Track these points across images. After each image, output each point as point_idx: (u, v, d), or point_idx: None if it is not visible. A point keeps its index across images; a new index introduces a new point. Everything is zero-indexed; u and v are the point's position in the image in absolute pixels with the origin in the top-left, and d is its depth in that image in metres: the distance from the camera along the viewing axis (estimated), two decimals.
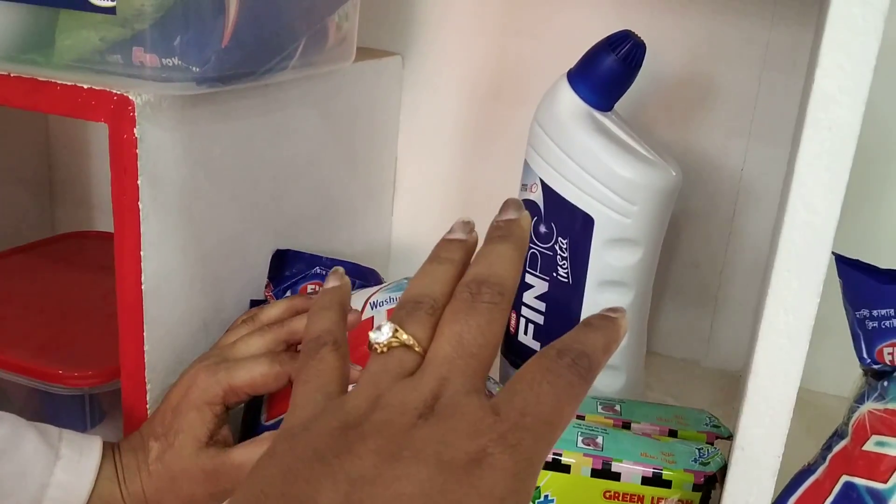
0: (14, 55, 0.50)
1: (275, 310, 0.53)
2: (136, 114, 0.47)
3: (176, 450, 0.47)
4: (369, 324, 0.56)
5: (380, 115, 0.73)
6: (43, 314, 0.67)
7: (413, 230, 0.79)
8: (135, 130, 0.47)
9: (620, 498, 0.43)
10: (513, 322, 0.60)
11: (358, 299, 0.59)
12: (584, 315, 0.56)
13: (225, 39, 0.48)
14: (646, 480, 0.43)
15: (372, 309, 0.57)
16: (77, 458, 0.47)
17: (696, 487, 0.43)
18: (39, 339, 0.62)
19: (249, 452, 0.46)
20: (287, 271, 0.62)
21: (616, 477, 0.44)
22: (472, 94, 0.74)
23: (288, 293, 0.61)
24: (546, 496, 0.44)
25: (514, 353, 0.61)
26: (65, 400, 0.57)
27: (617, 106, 0.57)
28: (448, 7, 0.73)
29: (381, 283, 0.62)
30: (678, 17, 0.66)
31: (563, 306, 0.57)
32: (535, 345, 0.59)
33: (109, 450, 0.49)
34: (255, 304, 0.60)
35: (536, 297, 0.58)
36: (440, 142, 0.76)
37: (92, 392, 0.57)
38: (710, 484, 0.43)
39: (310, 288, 0.61)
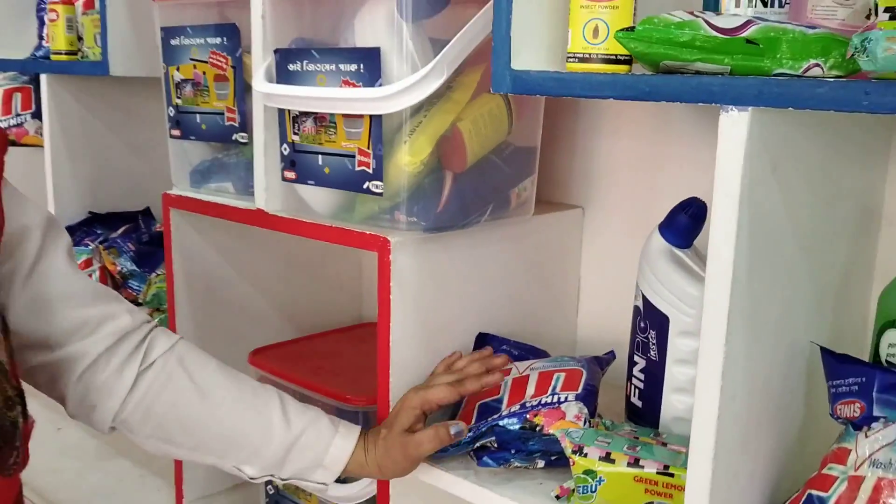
0: (334, 214, 0.92)
1: (463, 360, 0.90)
2: (391, 247, 0.85)
3: (392, 432, 0.83)
4: (526, 379, 0.88)
5: (564, 249, 1.07)
6: (341, 364, 1.07)
7: (597, 332, 1.10)
8: (390, 257, 0.85)
9: (644, 481, 0.71)
10: (629, 389, 0.89)
11: (524, 365, 0.91)
12: (666, 384, 0.84)
13: (440, 207, 0.86)
14: (659, 472, 0.71)
15: (531, 371, 0.89)
16: (347, 434, 0.84)
17: None
18: (338, 378, 1.02)
19: (424, 435, 0.82)
20: (486, 346, 0.96)
21: (641, 467, 0.71)
22: (633, 232, 1.03)
23: None
24: (600, 478, 0.73)
25: (630, 411, 0.89)
26: (346, 413, 0.95)
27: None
28: (617, 173, 1.05)
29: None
30: None
31: (654, 377, 0.85)
32: (640, 403, 0.87)
33: (363, 433, 0.85)
34: None
35: (639, 371, 0.87)
36: (616, 267, 1.06)
37: (362, 409, 0.95)
38: None
39: None
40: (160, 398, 0.81)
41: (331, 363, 1.08)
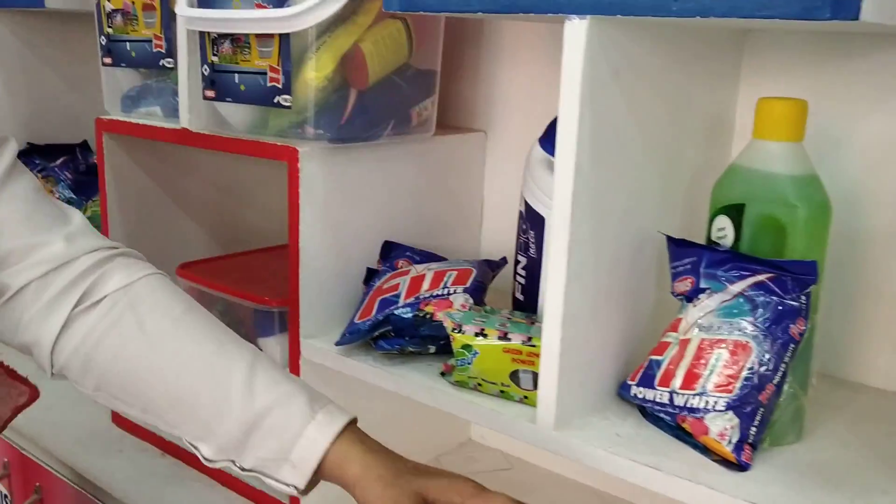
0: (250, 130, 1.01)
1: None
2: (299, 157, 0.94)
3: (413, 476, 0.66)
4: (423, 277, 0.98)
5: (467, 169, 1.17)
6: (262, 275, 1.16)
7: (498, 245, 1.20)
8: (298, 165, 0.94)
9: (511, 352, 0.82)
10: (514, 286, 1.00)
11: (422, 267, 1.01)
12: (542, 277, 0.94)
13: (343, 121, 0.95)
14: (524, 342, 0.82)
15: (428, 270, 0.99)
16: (326, 423, 0.66)
17: None
18: (257, 286, 1.11)
19: None
20: (391, 253, 1.06)
21: (510, 342, 0.82)
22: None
23: (388, 264, 1.04)
24: (475, 351, 0.83)
25: (515, 306, 1.00)
26: (263, 314, 1.05)
27: None
28: (517, 99, 1.15)
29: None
30: None
31: (533, 272, 0.95)
32: (522, 297, 0.97)
33: (352, 427, 0.68)
34: (370, 270, 1.05)
35: (522, 268, 0.97)
36: (516, 186, 1.16)
37: (277, 310, 1.04)
38: None
39: (401, 262, 1.04)
40: (101, 346, 0.69)
41: (253, 275, 1.17)
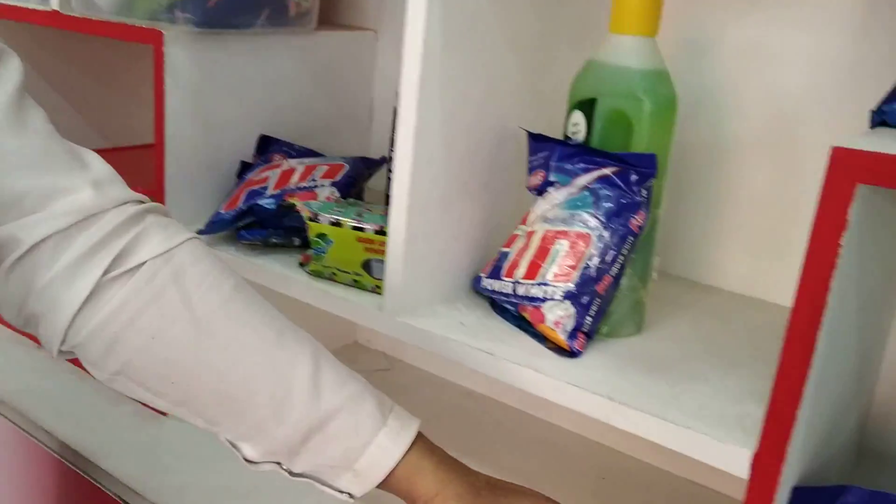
0: (118, 12, 0.97)
1: None
2: (164, 40, 0.91)
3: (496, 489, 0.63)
4: (293, 171, 0.96)
5: (356, 68, 1.15)
6: (140, 168, 1.14)
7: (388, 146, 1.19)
8: (164, 49, 0.92)
9: (364, 241, 0.82)
10: (386, 185, 0.99)
11: (296, 161, 1.00)
12: None
13: (211, 3, 0.92)
14: (376, 232, 0.82)
15: (300, 165, 0.98)
16: (398, 430, 0.60)
17: None
18: (132, 178, 1.09)
19: None
20: (268, 148, 1.04)
21: (363, 231, 0.82)
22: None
23: (263, 158, 1.03)
24: (330, 239, 0.83)
25: (387, 202, 0.99)
26: None
27: None
28: None
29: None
30: None
31: None
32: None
33: (421, 436, 0.62)
34: (244, 164, 1.03)
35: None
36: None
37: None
38: None
39: (276, 157, 1.03)
40: (136, 325, 0.56)
41: (130, 168, 1.15)
